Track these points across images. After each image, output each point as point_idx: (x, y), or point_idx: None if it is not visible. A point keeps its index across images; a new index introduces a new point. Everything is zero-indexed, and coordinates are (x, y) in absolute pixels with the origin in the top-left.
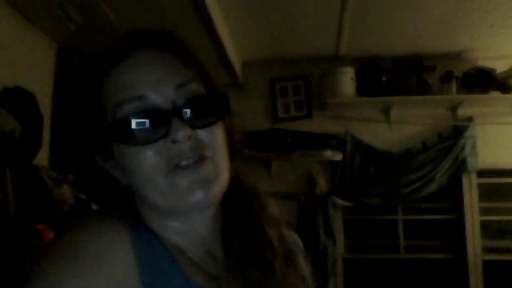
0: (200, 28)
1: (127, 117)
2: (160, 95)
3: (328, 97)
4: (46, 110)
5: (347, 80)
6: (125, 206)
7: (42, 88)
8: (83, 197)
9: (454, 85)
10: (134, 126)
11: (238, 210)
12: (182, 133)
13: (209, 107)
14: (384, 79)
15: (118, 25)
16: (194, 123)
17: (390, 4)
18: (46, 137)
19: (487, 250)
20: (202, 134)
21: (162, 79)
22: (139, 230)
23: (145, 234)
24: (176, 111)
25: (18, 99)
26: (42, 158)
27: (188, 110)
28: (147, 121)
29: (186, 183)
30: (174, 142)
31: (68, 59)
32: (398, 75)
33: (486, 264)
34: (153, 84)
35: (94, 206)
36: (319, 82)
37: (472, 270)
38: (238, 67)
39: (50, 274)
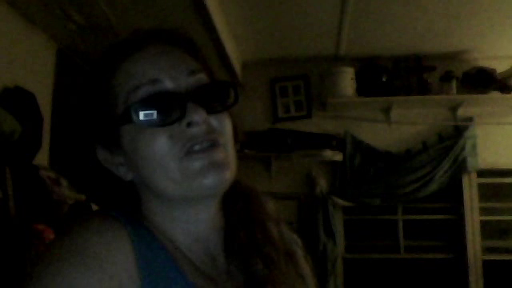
0: (200, 28)
1: (143, 99)
2: (173, 80)
3: (328, 97)
4: (46, 110)
5: (347, 80)
6: (126, 205)
7: (42, 88)
8: (83, 197)
9: (454, 85)
10: (149, 108)
11: (238, 210)
12: (198, 115)
13: (219, 95)
14: (384, 79)
15: (117, 25)
16: (208, 108)
17: (389, 4)
18: (46, 137)
19: (487, 250)
20: (214, 121)
21: (175, 66)
22: (139, 230)
23: (145, 235)
24: (191, 95)
25: (18, 99)
26: (42, 158)
27: (202, 96)
28: (163, 104)
29: (199, 166)
30: (189, 124)
31: (68, 59)
32: (398, 75)
33: (486, 264)
34: (166, 69)
35: (95, 206)
36: (319, 81)
37: (472, 270)
38: (238, 67)
39: (50, 274)
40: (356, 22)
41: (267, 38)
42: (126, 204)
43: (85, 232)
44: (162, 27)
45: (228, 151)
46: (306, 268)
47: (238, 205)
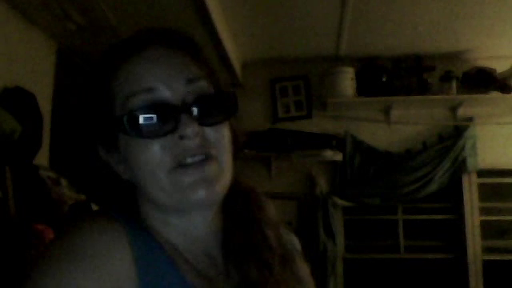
0: (200, 28)
1: (136, 109)
2: (170, 89)
3: (328, 97)
4: (46, 109)
5: (347, 80)
6: (124, 203)
7: (42, 88)
8: (83, 197)
9: (454, 85)
10: (142, 118)
11: (237, 211)
12: (190, 129)
13: (217, 106)
14: (384, 79)
15: (117, 25)
16: (202, 120)
17: (389, 4)
18: (46, 137)
19: (487, 250)
20: (209, 132)
21: (173, 74)
22: (137, 230)
23: (143, 235)
24: (185, 107)
25: (18, 99)
26: (42, 158)
27: (197, 107)
28: (156, 115)
29: (189, 181)
30: (181, 137)
31: (68, 59)
32: (398, 75)
33: (486, 264)
34: (163, 78)
35: (95, 206)
36: (319, 81)
37: (472, 270)
38: (237, 67)
39: (49, 274)
40: (356, 22)
41: (267, 38)
42: (126, 204)
43: (84, 232)
44: (164, 27)
45: (222, 162)
46: (303, 271)
47: (237, 205)
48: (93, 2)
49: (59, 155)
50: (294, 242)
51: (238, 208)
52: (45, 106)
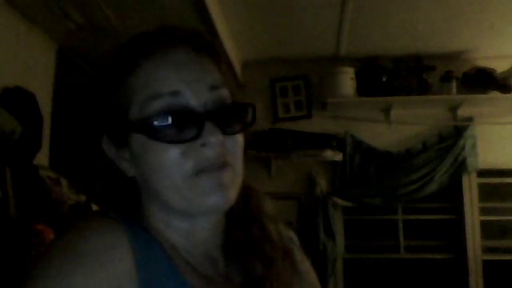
0: (200, 28)
1: (160, 112)
2: (194, 95)
3: (328, 97)
4: (46, 110)
5: (347, 80)
6: (125, 200)
7: (42, 88)
8: (83, 197)
9: (454, 85)
10: (166, 123)
11: (237, 210)
12: (214, 137)
13: (238, 115)
14: (384, 79)
15: (117, 25)
16: (224, 129)
17: (389, 4)
18: (46, 137)
19: (487, 250)
20: (228, 141)
21: (198, 79)
22: (138, 230)
23: (143, 235)
24: (210, 114)
25: (18, 99)
26: (42, 158)
27: (219, 116)
28: (180, 120)
29: (206, 186)
30: (203, 145)
31: (68, 59)
32: (398, 75)
33: (486, 264)
34: (189, 82)
35: (95, 206)
36: (319, 82)
37: (472, 270)
38: (238, 67)
39: (49, 275)
40: (356, 22)
41: (267, 38)
42: (126, 202)
43: (84, 232)
44: (191, 27)
45: (236, 170)
46: (303, 264)
47: (237, 205)
48: (93, 2)
49: (59, 155)
50: (292, 237)
51: (238, 207)
52: (45, 105)
